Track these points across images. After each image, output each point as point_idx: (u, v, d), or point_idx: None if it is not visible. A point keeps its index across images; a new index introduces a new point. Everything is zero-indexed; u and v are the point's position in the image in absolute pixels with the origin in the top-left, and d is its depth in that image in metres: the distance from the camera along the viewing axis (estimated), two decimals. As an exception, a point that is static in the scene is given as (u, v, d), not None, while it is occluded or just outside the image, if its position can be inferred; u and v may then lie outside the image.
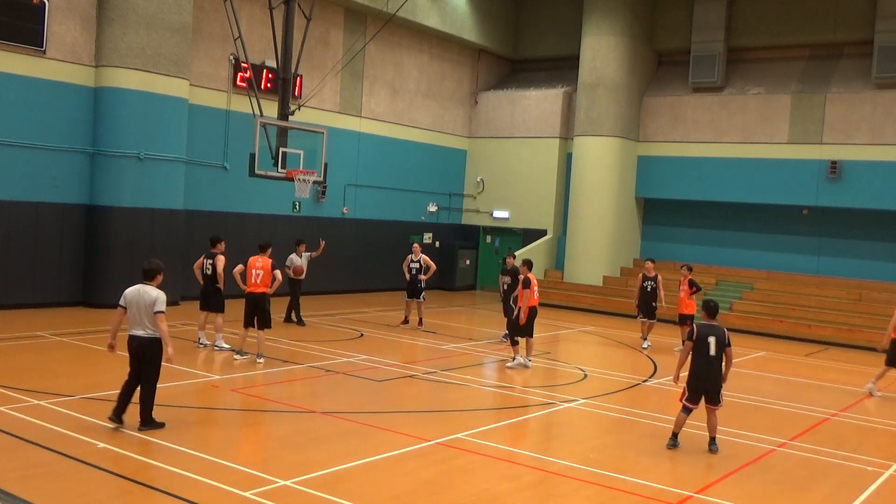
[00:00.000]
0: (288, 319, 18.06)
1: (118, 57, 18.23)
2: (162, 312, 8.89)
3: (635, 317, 18.67)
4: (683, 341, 17.08)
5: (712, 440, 9.87)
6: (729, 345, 9.70)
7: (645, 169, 26.60)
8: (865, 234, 23.59)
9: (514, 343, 14.64)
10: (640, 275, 18.23)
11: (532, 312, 14.51)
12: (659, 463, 9.26)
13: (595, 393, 12.94)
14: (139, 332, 8.96)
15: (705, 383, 9.74)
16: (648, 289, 17.89)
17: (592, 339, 19.53)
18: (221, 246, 14.53)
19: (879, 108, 22.74)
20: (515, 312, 14.61)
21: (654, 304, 17.91)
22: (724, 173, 24.88)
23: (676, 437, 9.90)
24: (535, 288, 14.62)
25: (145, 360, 9.03)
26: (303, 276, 18.10)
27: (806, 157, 23.62)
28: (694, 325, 9.86)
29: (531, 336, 14.72)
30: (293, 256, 18.12)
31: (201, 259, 14.64)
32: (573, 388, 13.18)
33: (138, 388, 9.15)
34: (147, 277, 9.11)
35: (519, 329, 14.51)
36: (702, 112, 25.58)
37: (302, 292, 18.39)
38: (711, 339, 9.67)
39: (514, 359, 14.60)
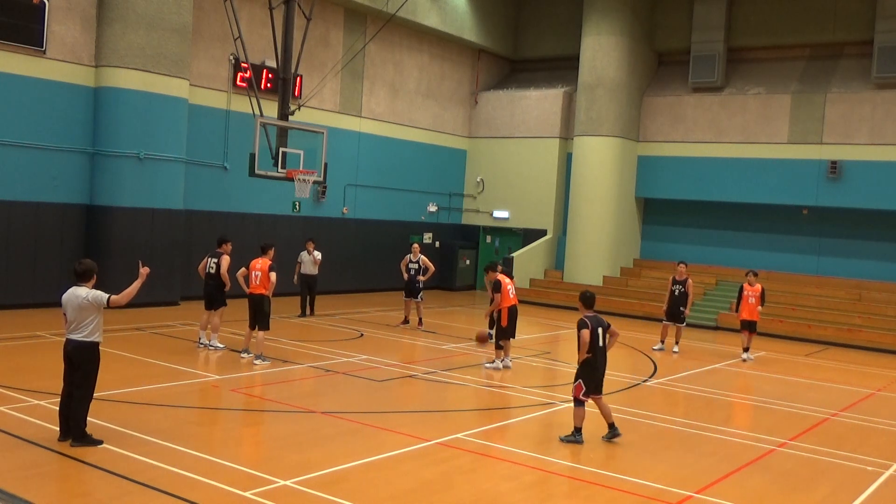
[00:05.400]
0: (303, 314, 19.36)
1: (118, 57, 18.23)
2: (105, 299, 8.33)
3: (661, 320, 18.31)
4: (745, 349, 17.16)
5: (612, 426, 10.00)
6: (609, 325, 10.04)
7: (645, 169, 26.59)
8: (865, 234, 23.59)
9: (499, 347, 14.46)
10: (671, 278, 17.93)
11: (512, 312, 14.40)
12: (659, 463, 9.26)
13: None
14: (72, 336, 8.45)
15: (601, 373, 9.99)
16: (677, 293, 17.53)
17: (592, 339, 19.48)
18: (228, 247, 14.54)
19: (879, 108, 22.74)
20: (495, 316, 14.50)
21: (681, 308, 17.53)
22: (724, 173, 24.88)
23: (580, 432, 9.83)
24: (510, 286, 14.45)
25: (77, 365, 8.47)
26: (314, 273, 19.29)
27: (806, 157, 23.62)
28: (586, 319, 9.83)
29: (513, 337, 14.67)
30: (303, 254, 19.39)
31: (205, 260, 14.63)
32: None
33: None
34: (81, 279, 8.54)
35: (503, 331, 14.36)
36: (702, 112, 25.58)
37: (311, 294, 19.56)
38: (600, 330, 9.89)
39: (493, 361, 14.50)
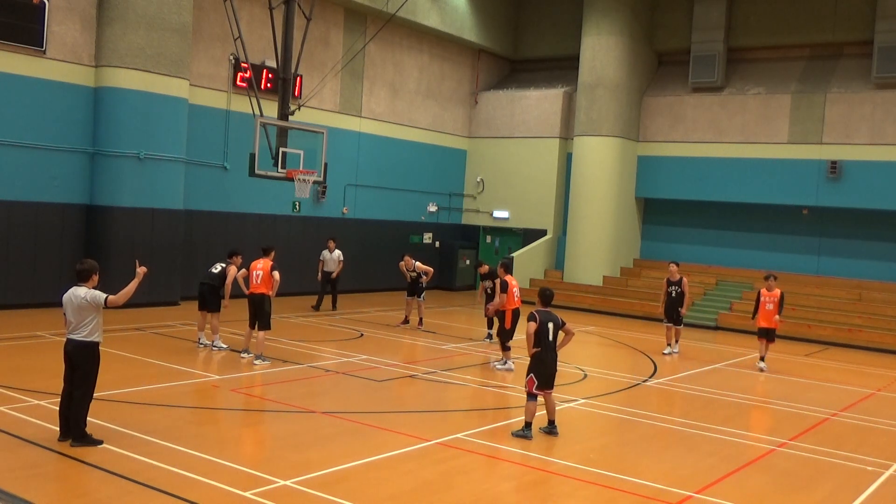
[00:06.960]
0: (317, 308, 20.46)
1: (118, 57, 18.22)
2: (103, 299, 8.37)
3: (661, 321, 18.20)
4: (762, 358, 16.31)
5: (552, 423, 10.10)
6: (565, 323, 10.08)
7: (645, 169, 26.59)
8: (865, 234, 23.58)
9: (506, 348, 14.49)
10: (665, 279, 17.71)
11: (516, 315, 14.37)
12: (659, 463, 9.26)
13: (595, 393, 12.95)
14: (72, 336, 8.49)
15: (551, 368, 10.03)
16: (673, 294, 17.34)
17: (592, 339, 19.53)
18: (238, 259, 14.58)
19: (879, 108, 22.73)
20: (494, 316, 14.58)
21: (679, 308, 17.33)
22: (724, 173, 24.87)
23: (530, 427, 9.92)
24: (516, 289, 14.50)
25: (77, 365, 8.50)
26: (334, 273, 20.33)
27: (806, 157, 23.61)
28: (535, 313, 9.95)
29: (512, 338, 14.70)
30: (325, 252, 20.45)
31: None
32: (573, 388, 13.17)
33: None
34: (81, 279, 8.57)
35: (507, 333, 14.39)
36: (702, 112, 25.58)
37: (332, 290, 20.77)
38: (550, 325, 9.96)
39: (504, 361, 14.54)
